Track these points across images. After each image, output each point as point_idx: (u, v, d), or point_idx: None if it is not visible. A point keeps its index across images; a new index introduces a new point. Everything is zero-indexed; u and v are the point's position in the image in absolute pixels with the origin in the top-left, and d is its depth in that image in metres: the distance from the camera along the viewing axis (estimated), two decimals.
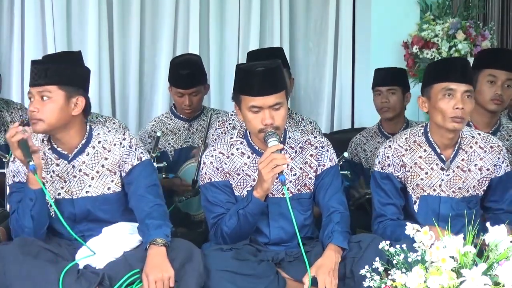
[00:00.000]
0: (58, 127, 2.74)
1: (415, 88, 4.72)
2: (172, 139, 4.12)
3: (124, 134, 2.86)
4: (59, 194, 2.81)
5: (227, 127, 3.66)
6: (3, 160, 3.20)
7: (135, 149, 2.83)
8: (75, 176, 2.81)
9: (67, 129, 2.77)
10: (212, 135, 3.69)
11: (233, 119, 3.73)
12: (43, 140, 2.83)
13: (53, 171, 2.80)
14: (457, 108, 2.80)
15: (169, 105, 4.75)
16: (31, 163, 2.58)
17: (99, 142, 2.83)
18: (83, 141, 2.81)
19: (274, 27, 5.11)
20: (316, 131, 3.68)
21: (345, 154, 3.47)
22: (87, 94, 2.82)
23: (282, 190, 2.85)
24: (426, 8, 4.95)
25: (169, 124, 4.14)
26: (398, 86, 4.14)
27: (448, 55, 4.71)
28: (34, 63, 2.78)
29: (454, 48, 4.74)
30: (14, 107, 3.98)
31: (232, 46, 5.06)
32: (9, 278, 2.48)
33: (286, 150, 2.87)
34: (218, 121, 3.75)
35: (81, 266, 2.63)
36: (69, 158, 2.80)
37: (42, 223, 2.73)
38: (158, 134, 3.82)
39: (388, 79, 4.16)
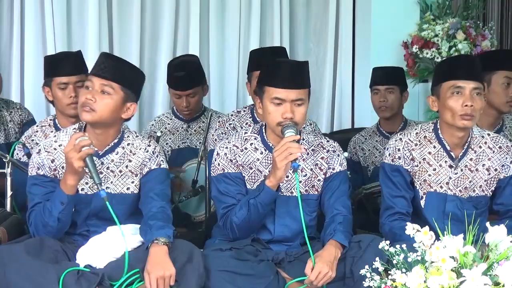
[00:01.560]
0: (105, 123, 2.78)
1: (415, 88, 4.73)
2: (170, 139, 4.12)
3: (150, 142, 2.94)
4: (82, 189, 2.82)
5: (227, 128, 3.67)
6: (3, 160, 3.20)
7: (157, 156, 2.91)
8: (101, 173, 2.82)
9: (109, 128, 2.82)
10: (212, 135, 3.69)
11: (233, 120, 3.73)
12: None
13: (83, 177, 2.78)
14: (466, 106, 2.80)
15: (169, 105, 4.75)
16: (101, 188, 2.59)
17: (128, 144, 2.89)
18: (116, 141, 2.86)
19: (274, 28, 5.11)
20: (316, 132, 3.68)
21: (345, 154, 3.47)
22: (137, 101, 2.88)
23: (291, 188, 2.88)
24: (426, 8, 4.95)
25: (168, 124, 4.15)
26: (396, 85, 4.14)
27: (448, 55, 4.71)
28: (105, 55, 2.84)
29: (454, 48, 4.74)
30: (13, 107, 3.98)
31: (232, 46, 5.06)
32: (9, 278, 2.48)
33: (300, 139, 2.86)
34: (218, 122, 3.75)
35: (81, 266, 2.63)
36: (100, 155, 2.82)
37: (66, 224, 2.76)
38: (158, 134, 3.82)
39: (386, 78, 4.17)
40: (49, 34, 4.65)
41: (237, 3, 5.03)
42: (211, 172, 2.97)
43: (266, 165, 2.89)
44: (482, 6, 5.20)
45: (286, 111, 2.75)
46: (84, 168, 2.64)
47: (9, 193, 3.14)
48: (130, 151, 2.88)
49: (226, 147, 2.92)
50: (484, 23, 5.18)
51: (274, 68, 2.82)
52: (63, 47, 4.61)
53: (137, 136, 2.95)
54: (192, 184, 3.80)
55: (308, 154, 2.94)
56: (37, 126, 3.47)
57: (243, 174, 2.90)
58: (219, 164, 2.91)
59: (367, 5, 5.07)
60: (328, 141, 3.01)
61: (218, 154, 2.92)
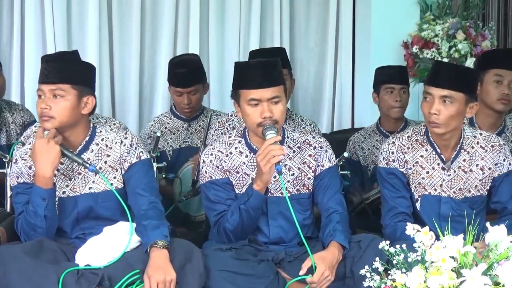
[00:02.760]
0: (68, 125, 2.76)
1: (415, 88, 4.72)
2: (171, 138, 4.12)
3: (126, 134, 2.90)
4: (63, 192, 2.82)
5: (227, 128, 3.67)
6: (3, 160, 3.20)
7: (135, 148, 2.87)
8: (80, 173, 2.82)
9: (75, 127, 2.80)
10: (212, 135, 3.69)
11: (232, 120, 3.73)
12: None
13: (57, 170, 2.79)
14: (429, 113, 2.81)
15: (169, 105, 4.75)
16: (88, 164, 2.69)
17: (102, 139, 2.86)
18: (87, 138, 2.83)
19: (274, 28, 5.10)
20: (315, 132, 3.68)
21: (345, 154, 3.47)
22: (94, 93, 2.84)
23: (280, 189, 2.86)
24: (426, 8, 4.94)
25: (168, 123, 4.14)
26: (407, 85, 4.13)
27: (448, 55, 4.70)
28: (46, 60, 2.79)
29: (454, 48, 4.74)
30: (16, 108, 4.00)
31: (232, 46, 5.05)
32: (9, 278, 2.48)
33: (280, 139, 2.85)
34: (218, 122, 3.75)
35: (81, 266, 2.63)
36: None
37: (54, 222, 2.75)
38: (158, 134, 3.83)
39: (401, 77, 4.11)
40: (49, 34, 4.64)
41: (237, 3, 5.02)
42: (200, 180, 2.95)
43: (252, 168, 2.87)
44: (482, 6, 5.20)
45: (264, 111, 2.74)
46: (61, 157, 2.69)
47: (9, 193, 3.14)
48: (106, 146, 2.85)
49: (211, 154, 2.90)
50: (484, 23, 5.18)
51: (245, 70, 2.81)
52: (63, 47, 4.60)
53: (111, 129, 2.92)
54: (192, 184, 3.80)
55: (294, 152, 2.92)
56: (35, 126, 3.48)
57: (231, 179, 2.89)
58: (206, 172, 2.89)
59: (367, 5, 5.06)
60: (314, 137, 2.99)
61: (204, 161, 2.90)
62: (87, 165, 2.70)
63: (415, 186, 2.97)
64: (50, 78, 2.71)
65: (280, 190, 2.87)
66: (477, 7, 5.09)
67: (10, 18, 4.68)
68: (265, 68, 2.78)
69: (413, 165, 2.96)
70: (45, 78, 2.73)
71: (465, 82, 2.84)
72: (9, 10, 4.68)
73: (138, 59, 4.83)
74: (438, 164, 2.95)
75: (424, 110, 2.85)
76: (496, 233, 2.15)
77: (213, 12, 4.98)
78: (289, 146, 2.92)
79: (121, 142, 2.86)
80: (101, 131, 2.87)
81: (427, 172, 2.95)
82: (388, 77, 4.13)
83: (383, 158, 3.00)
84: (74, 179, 2.83)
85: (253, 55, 3.83)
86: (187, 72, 3.99)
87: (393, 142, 3.00)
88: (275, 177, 2.78)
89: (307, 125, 3.75)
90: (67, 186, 2.82)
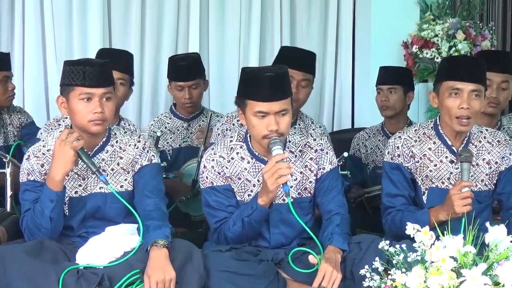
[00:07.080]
0: None
1: (415, 88, 4.73)
2: (171, 138, 4.12)
3: (139, 137, 2.92)
4: (76, 192, 2.82)
5: (233, 124, 3.61)
6: (3, 160, 3.21)
7: (147, 151, 2.89)
8: (93, 173, 2.82)
9: None
10: (218, 128, 3.64)
11: (237, 120, 3.70)
12: None
13: (72, 170, 2.79)
14: (462, 108, 2.79)
15: (169, 105, 4.75)
16: (100, 174, 2.67)
17: (117, 141, 2.88)
18: (104, 139, 2.84)
19: (274, 27, 5.11)
20: (325, 136, 3.61)
21: (345, 154, 3.47)
22: None
23: (283, 196, 2.82)
24: (426, 8, 4.96)
25: (168, 123, 4.15)
26: (399, 85, 4.12)
27: (447, 55, 4.71)
28: (88, 63, 2.74)
29: (454, 48, 4.75)
30: (13, 110, 4.03)
31: (232, 46, 5.06)
32: (9, 278, 2.48)
33: (288, 157, 2.82)
34: (227, 116, 3.67)
35: (81, 265, 2.63)
36: (90, 155, 2.79)
37: (59, 224, 2.75)
38: (158, 133, 3.83)
39: (389, 77, 4.14)
40: (49, 36, 4.66)
41: (237, 3, 5.03)
42: (200, 184, 2.94)
43: (254, 174, 2.86)
44: (482, 6, 5.20)
45: (270, 124, 2.69)
46: (78, 160, 2.68)
47: (9, 193, 3.15)
48: (120, 148, 2.87)
49: (213, 159, 2.87)
50: (485, 23, 5.18)
51: (253, 82, 2.74)
52: (63, 49, 4.62)
53: (125, 132, 2.93)
54: (192, 184, 3.79)
55: (296, 156, 2.90)
56: (59, 123, 3.48)
57: (232, 186, 2.87)
58: (207, 177, 2.87)
59: (367, 5, 5.07)
60: (315, 139, 2.95)
61: (205, 166, 2.88)
62: (99, 175, 2.69)
63: (422, 179, 2.95)
64: (101, 82, 2.71)
65: (282, 197, 2.82)
66: (477, 7, 5.09)
67: (11, 20, 4.70)
68: (275, 81, 2.71)
69: (421, 158, 2.94)
70: (95, 81, 2.69)
71: (482, 75, 2.88)
72: (10, 12, 4.69)
73: (139, 59, 4.83)
74: (446, 157, 2.93)
75: (451, 105, 2.80)
76: (496, 233, 2.16)
77: (213, 12, 4.99)
78: (290, 151, 2.89)
79: (135, 145, 2.88)
80: (115, 133, 2.89)
81: (435, 165, 2.93)
82: (378, 78, 4.18)
83: (388, 153, 2.98)
84: (88, 179, 2.83)
85: (285, 52, 3.71)
86: (188, 65, 4.01)
87: (399, 137, 2.98)
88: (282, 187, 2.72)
89: (317, 128, 3.68)
90: (79, 185, 2.83)
